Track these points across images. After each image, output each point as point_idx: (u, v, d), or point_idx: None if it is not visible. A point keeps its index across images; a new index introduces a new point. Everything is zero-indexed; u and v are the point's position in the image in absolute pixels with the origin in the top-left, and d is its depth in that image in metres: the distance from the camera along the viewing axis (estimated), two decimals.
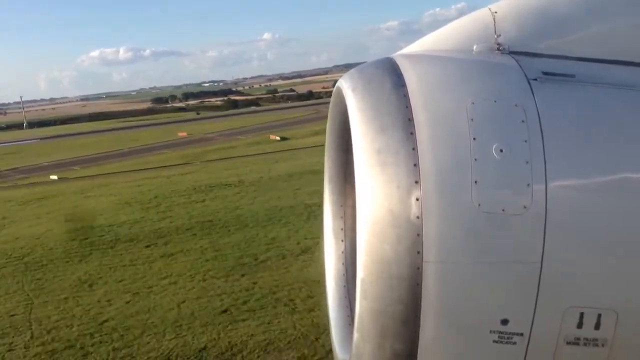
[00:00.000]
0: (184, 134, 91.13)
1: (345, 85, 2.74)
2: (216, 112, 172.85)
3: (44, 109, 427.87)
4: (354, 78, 2.75)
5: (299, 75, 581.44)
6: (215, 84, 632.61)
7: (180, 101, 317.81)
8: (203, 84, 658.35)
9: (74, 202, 44.48)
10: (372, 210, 2.42)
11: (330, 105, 3.30)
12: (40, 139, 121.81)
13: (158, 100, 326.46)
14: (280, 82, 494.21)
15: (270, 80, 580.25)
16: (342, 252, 3.70)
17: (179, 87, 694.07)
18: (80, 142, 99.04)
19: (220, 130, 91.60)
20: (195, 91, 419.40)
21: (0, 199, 51.75)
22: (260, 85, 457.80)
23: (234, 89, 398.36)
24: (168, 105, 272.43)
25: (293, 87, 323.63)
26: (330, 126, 3.47)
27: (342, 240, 3.72)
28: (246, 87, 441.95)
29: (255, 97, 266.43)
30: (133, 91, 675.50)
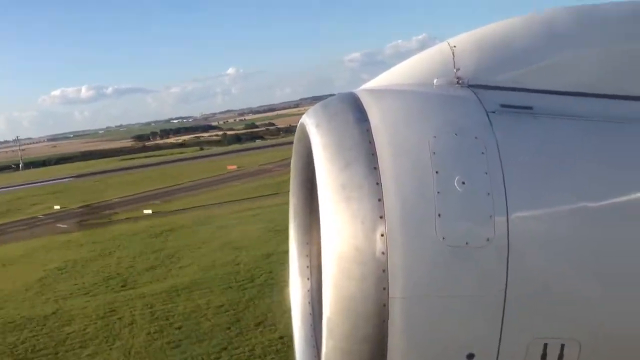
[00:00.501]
0: (234, 167, 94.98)
1: (309, 121, 2.77)
2: (224, 147, 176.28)
3: (13, 151, 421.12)
4: (318, 114, 2.77)
5: (270, 108, 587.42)
6: (184, 120, 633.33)
7: (161, 138, 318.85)
8: (171, 121, 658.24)
9: (213, 234, 48.53)
10: (337, 247, 2.42)
11: (295, 141, 3.31)
12: (75, 177, 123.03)
13: (139, 137, 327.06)
14: (252, 116, 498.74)
15: (241, 114, 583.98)
16: (308, 291, 3.66)
17: (147, 124, 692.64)
18: (128, 179, 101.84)
19: (269, 162, 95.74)
20: (164, 128, 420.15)
21: (120, 232, 55.53)
22: (235, 120, 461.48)
23: (212, 124, 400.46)
24: (161, 142, 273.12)
25: (272, 121, 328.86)
26: (294, 162, 3.49)
27: (308, 279, 3.68)
28: (220, 122, 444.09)
29: (249, 130, 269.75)
30: (100, 129, 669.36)
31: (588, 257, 2.46)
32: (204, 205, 61.38)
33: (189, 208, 63.18)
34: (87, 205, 74.89)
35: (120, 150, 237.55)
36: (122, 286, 36.21)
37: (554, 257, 2.43)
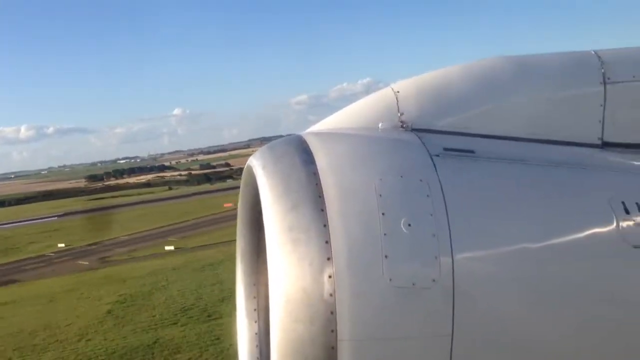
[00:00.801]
0: (230, 204, 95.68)
1: (256, 162, 2.78)
2: (196, 187, 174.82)
3: None
4: (265, 156, 2.78)
5: (221, 149, 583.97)
6: (131, 160, 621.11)
7: (116, 178, 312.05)
8: (118, 161, 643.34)
9: None
10: (284, 289, 2.40)
11: (242, 183, 3.31)
12: (59, 215, 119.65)
13: (92, 177, 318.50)
14: (203, 156, 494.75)
15: (191, 154, 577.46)
16: (256, 334, 3.59)
17: (93, 164, 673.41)
18: (119, 218, 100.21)
19: None
20: (114, 168, 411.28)
21: (155, 268, 55.73)
22: (187, 160, 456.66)
23: (165, 164, 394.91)
24: (122, 182, 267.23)
25: (227, 162, 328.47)
26: (241, 204, 3.46)
27: (256, 321, 3.60)
28: (173, 162, 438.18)
29: (210, 171, 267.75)
30: (42, 170, 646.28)
31: (531, 297, 2.49)
32: (223, 242, 62.03)
33: (211, 244, 63.64)
34: (96, 243, 73.95)
35: (81, 191, 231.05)
36: (207, 316, 36.99)
37: (498, 298, 2.47)
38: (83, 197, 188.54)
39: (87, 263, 61.80)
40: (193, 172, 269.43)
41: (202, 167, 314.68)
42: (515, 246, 2.52)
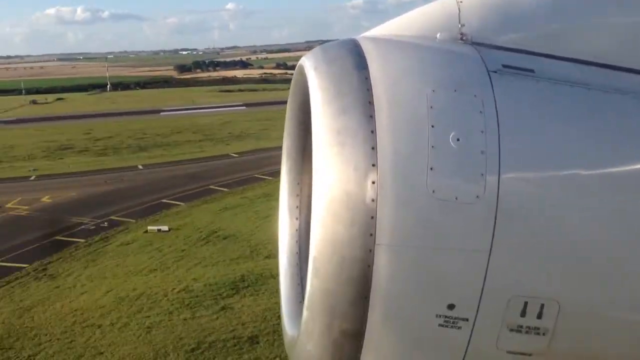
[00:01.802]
0: None
1: (308, 63, 2.78)
2: None
3: (16, 69, 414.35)
4: (317, 57, 2.77)
5: (282, 49, 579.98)
6: (192, 52, 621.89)
7: (202, 71, 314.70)
8: (180, 52, 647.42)
9: None
10: (327, 190, 2.46)
11: (292, 82, 3.31)
12: (245, 105, 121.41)
13: (181, 67, 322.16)
14: (267, 55, 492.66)
15: (253, 52, 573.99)
16: (296, 230, 3.69)
17: (156, 52, 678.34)
18: None
19: None
20: (173, 58, 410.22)
21: None
22: (257, 57, 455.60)
23: (243, 60, 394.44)
24: (234, 75, 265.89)
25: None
26: (290, 103, 3.48)
27: (297, 218, 3.71)
28: (243, 58, 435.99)
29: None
30: (109, 54, 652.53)
31: (575, 223, 2.49)
32: None
33: None
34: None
35: (194, 80, 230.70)
36: None
37: (541, 220, 2.46)
38: (208, 87, 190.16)
39: None
40: (275, 71, 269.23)
41: (279, 65, 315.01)
42: (564, 171, 2.50)
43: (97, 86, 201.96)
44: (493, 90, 2.52)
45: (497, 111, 2.47)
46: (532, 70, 2.65)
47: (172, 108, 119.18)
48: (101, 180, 56.73)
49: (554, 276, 2.52)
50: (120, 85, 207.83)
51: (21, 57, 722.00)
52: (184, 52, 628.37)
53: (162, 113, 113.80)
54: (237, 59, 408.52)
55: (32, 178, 60.20)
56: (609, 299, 2.58)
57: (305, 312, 2.65)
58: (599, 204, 2.51)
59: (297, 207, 3.74)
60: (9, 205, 48.50)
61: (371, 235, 2.42)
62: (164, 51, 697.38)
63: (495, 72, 2.59)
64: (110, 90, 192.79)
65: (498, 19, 2.88)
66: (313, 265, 2.53)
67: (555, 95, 2.62)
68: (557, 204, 2.49)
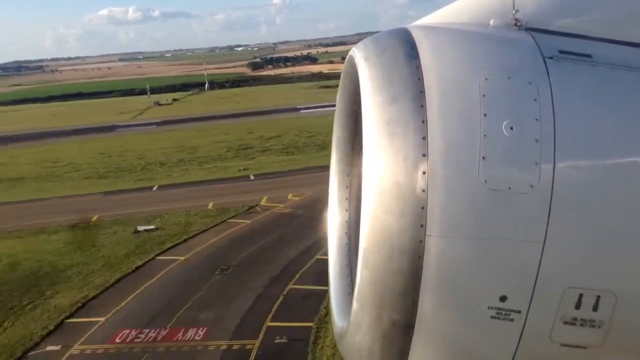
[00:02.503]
0: None
1: (358, 54, 2.76)
2: None
3: (99, 69, 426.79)
4: (367, 47, 2.75)
5: (339, 42, 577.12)
6: (247, 48, 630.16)
7: (274, 67, 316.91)
8: (234, 48, 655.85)
9: None
10: (377, 181, 2.43)
11: (342, 73, 3.29)
12: None
13: (253, 65, 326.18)
14: (323, 49, 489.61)
15: (308, 46, 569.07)
16: (346, 222, 3.68)
17: (212, 49, 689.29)
18: None
19: None
20: (235, 54, 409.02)
21: None
22: (317, 52, 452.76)
23: (309, 55, 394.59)
24: (326, 72, 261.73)
25: None
26: (340, 94, 3.46)
27: (347, 210, 3.69)
28: (307, 53, 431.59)
29: None
30: (166, 53, 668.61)
31: (631, 213, 2.40)
32: None
33: None
34: None
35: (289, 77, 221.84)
36: None
37: (597, 210, 2.38)
38: (303, 84, 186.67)
39: None
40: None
41: (344, 59, 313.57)
42: (621, 160, 2.42)
43: (191, 85, 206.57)
44: (549, 77, 2.46)
45: (552, 98, 2.42)
46: (589, 56, 2.58)
47: (305, 106, 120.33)
48: (317, 178, 55.99)
49: (611, 267, 2.45)
50: (214, 83, 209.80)
51: (82, 58, 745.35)
52: (238, 49, 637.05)
53: (301, 111, 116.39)
54: (299, 53, 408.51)
55: (252, 178, 64.36)
56: None
57: (354, 304, 2.65)
58: None
59: (346, 198, 3.76)
60: (262, 203, 52.31)
61: (422, 226, 2.39)
62: (219, 48, 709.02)
63: (551, 58, 2.53)
64: (208, 89, 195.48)
65: (553, 3, 2.82)
66: (363, 256, 2.53)
67: (613, 81, 2.54)
68: (613, 194, 2.41)
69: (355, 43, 3.06)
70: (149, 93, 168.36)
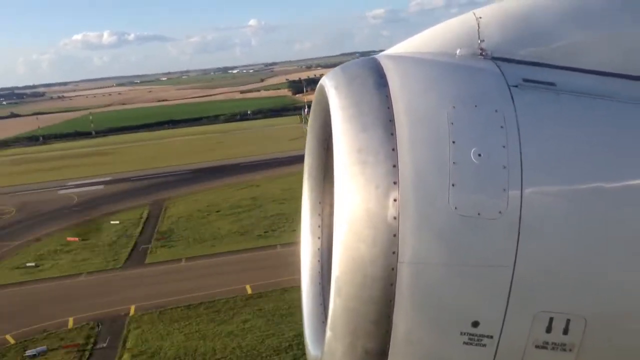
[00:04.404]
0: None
1: (329, 83, 2.79)
2: None
3: (93, 95, 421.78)
4: (337, 76, 2.78)
5: (331, 63, 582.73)
6: (243, 70, 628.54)
7: (312, 90, 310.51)
8: (229, 70, 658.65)
9: None
10: (349, 209, 2.45)
11: (313, 102, 3.32)
12: None
13: (293, 87, 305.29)
14: (317, 70, 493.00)
15: (308, 67, 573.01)
16: (318, 249, 3.69)
17: (206, 72, 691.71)
18: None
19: None
20: (230, 77, 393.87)
21: None
22: (315, 75, 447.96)
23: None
24: None
25: None
26: (312, 122, 3.49)
27: (319, 238, 3.71)
28: (309, 75, 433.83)
29: None
30: (160, 76, 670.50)
31: (599, 238, 2.43)
32: None
33: None
34: None
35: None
36: None
37: (565, 235, 2.41)
38: None
39: None
40: None
41: None
42: (588, 185, 2.45)
43: (287, 110, 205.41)
44: (514, 105, 2.51)
45: (518, 125, 2.45)
46: (553, 84, 2.63)
47: None
48: None
49: (580, 291, 2.47)
50: (261, 112, 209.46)
51: (76, 82, 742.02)
52: (234, 71, 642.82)
53: None
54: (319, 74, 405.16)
55: None
56: (636, 313, 2.52)
57: (328, 332, 2.65)
58: (623, 218, 2.45)
59: (319, 226, 3.77)
60: None
61: (394, 253, 2.40)
62: (216, 70, 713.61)
63: (516, 86, 2.58)
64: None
65: (517, 33, 2.86)
66: (335, 285, 2.52)
67: (577, 108, 2.58)
68: (580, 219, 2.44)
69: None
70: (303, 119, 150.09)
